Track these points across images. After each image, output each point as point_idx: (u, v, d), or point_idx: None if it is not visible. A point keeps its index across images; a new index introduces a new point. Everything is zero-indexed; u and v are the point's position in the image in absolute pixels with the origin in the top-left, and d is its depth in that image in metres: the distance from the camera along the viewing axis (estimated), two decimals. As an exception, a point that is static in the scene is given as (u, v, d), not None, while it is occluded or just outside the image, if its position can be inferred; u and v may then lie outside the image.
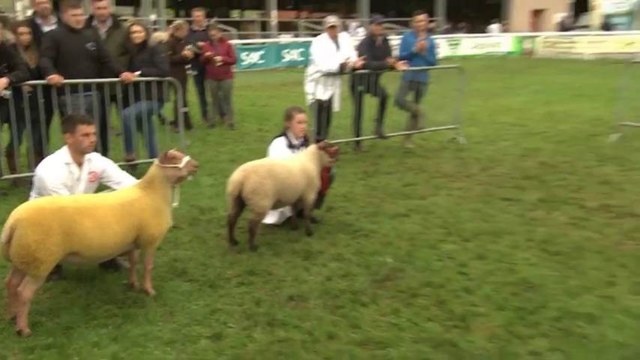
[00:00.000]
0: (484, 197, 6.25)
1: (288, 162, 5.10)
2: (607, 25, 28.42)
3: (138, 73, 6.87)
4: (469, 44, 29.52)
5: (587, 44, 26.18)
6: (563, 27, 31.70)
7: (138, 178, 4.28)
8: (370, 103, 8.52)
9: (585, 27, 29.99)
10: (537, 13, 37.57)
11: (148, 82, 6.99)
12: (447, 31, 32.70)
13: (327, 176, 5.46)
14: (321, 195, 5.45)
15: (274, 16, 31.25)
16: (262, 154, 5.81)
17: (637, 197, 6.12)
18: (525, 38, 30.24)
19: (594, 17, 28.73)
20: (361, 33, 23.03)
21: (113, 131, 7.77)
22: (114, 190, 4.31)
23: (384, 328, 3.58)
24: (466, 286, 4.13)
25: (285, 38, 28.71)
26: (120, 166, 4.80)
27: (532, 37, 30.25)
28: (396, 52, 8.71)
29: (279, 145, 5.48)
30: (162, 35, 8.35)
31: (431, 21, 8.98)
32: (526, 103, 13.12)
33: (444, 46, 26.87)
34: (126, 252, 4.03)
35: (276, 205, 5.00)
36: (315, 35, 9.93)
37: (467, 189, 6.57)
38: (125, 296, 3.99)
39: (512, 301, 3.90)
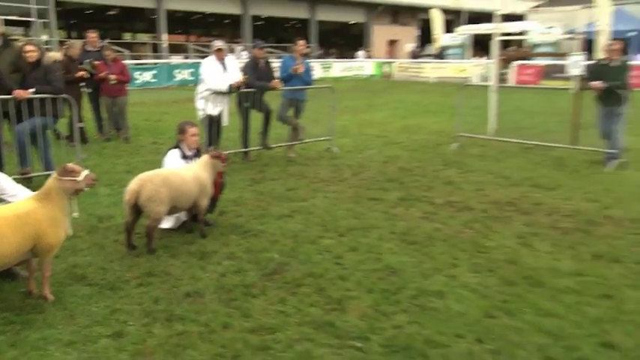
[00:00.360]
0: (355, 198, 6.41)
1: (182, 171, 4.94)
2: (440, 55, 30.36)
3: (32, 90, 6.33)
4: (339, 67, 30.30)
5: (432, 69, 27.88)
6: (413, 55, 33.55)
7: (33, 190, 3.94)
8: (256, 117, 8.49)
9: (429, 55, 31.90)
10: (393, 43, 39.53)
11: (42, 99, 6.46)
12: (320, 56, 33.39)
13: (220, 182, 5.36)
14: (213, 200, 5.33)
15: (165, 39, 30.18)
16: (157, 165, 5.57)
17: (472, 194, 6.52)
18: (384, 63, 31.61)
19: (436, 48, 30.65)
20: (245, 56, 22.90)
21: (7, 147, 7.10)
22: (9, 202, 3.93)
23: (272, 315, 3.56)
24: (342, 274, 4.21)
25: (177, 59, 27.84)
26: (15, 179, 4.40)
27: (389, 62, 31.71)
28: (277, 73, 8.77)
29: (173, 156, 5.29)
30: (56, 55, 7.78)
31: (307, 47, 9.17)
32: (387, 117, 13.62)
33: (318, 68, 27.40)
34: (23, 261, 3.69)
35: (171, 211, 4.82)
36: (203, 57, 9.71)
37: (341, 191, 6.71)
38: (23, 303, 3.64)
39: (379, 284, 4.03)
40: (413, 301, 3.76)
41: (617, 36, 19.39)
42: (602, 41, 12.25)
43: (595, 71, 7.90)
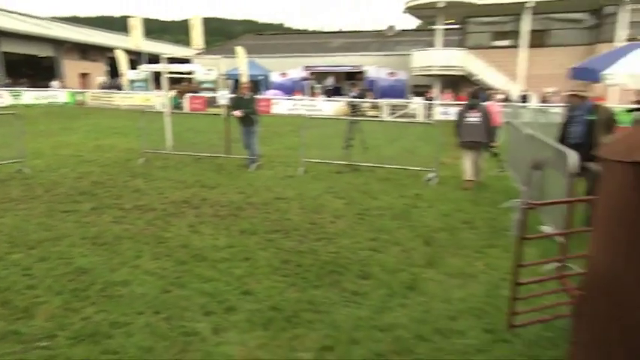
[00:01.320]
0: (47, 212, 5.40)
1: None
2: (119, 86, 28.25)
3: None
4: (31, 96, 24.80)
5: (122, 99, 25.69)
6: (104, 86, 30.29)
7: None
8: None
9: (114, 87, 29.26)
10: (85, 75, 34.78)
11: None
12: (8, 85, 26.74)
13: None
14: None
15: None
16: None
17: (156, 198, 6.28)
18: (77, 93, 27.47)
19: (124, 81, 28.28)
20: None
21: None
22: None
23: (-58, 344, 2.69)
24: (30, 284, 3.50)
25: None
26: None
27: (82, 92, 27.75)
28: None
29: None
30: None
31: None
32: (81, 139, 11.90)
33: (8, 97, 22.09)
34: None
35: None
36: None
37: (32, 208, 5.55)
38: None
39: (69, 285, 3.51)
40: (101, 293, 3.41)
41: (252, 78, 21.87)
42: (242, 81, 13.53)
43: (235, 102, 8.70)
